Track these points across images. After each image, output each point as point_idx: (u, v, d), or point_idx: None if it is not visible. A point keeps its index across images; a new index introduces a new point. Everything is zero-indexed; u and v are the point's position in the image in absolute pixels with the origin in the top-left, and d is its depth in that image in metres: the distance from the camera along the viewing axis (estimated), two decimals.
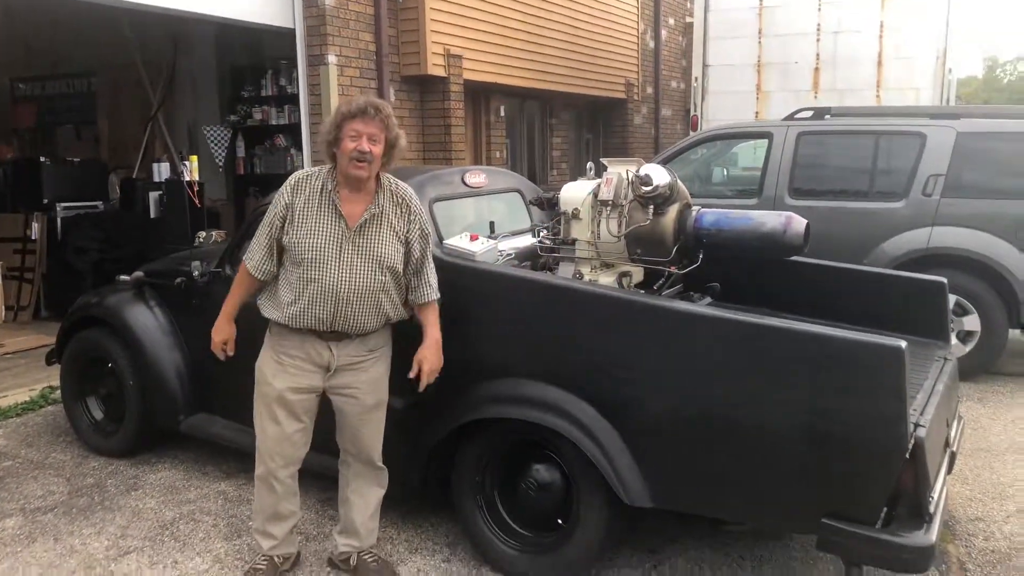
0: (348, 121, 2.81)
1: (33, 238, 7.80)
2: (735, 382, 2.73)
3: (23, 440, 4.68)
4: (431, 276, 3.05)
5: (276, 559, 3.17)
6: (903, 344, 2.45)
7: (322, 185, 2.88)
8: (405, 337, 3.09)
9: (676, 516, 3.16)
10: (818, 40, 9.28)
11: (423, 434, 3.28)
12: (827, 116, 6.43)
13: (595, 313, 3.04)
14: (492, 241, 3.47)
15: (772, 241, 3.26)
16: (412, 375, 2.99)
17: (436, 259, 3.32)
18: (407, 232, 2.95)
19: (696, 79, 9.79)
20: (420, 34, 8.26)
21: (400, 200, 2.96)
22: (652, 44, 14.52)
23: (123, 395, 4.31)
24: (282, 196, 2.92)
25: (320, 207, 2.87)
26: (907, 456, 2.49)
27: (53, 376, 4.97)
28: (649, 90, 14.42)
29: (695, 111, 9.73)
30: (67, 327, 4.60)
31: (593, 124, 13.53)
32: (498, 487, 3.27)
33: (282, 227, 2.90)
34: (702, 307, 3.07)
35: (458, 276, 3.25)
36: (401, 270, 2.95)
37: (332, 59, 7.49)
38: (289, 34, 7.54)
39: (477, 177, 3.99)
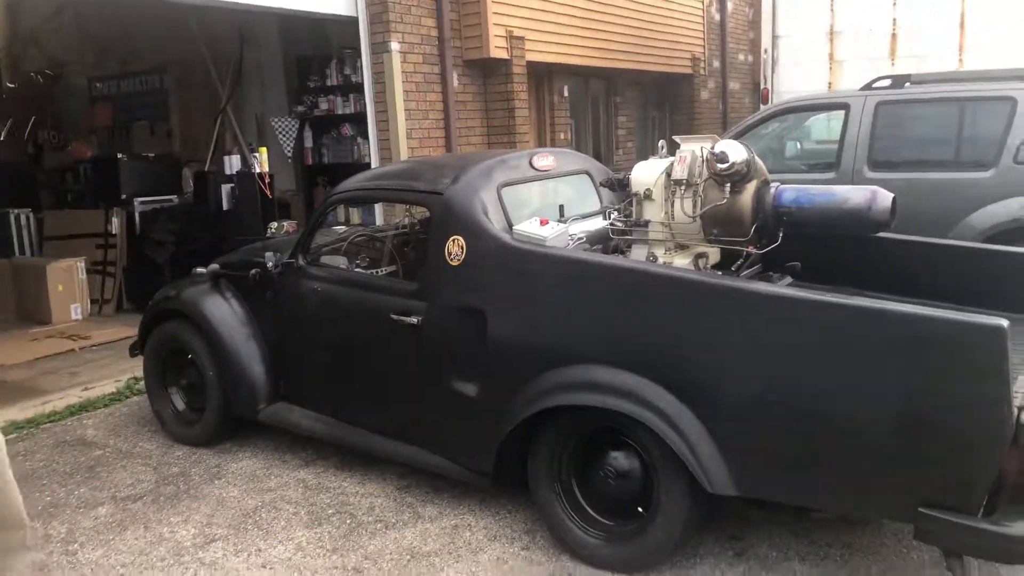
0: None
1: (113, 233, 8.05)
2: (822, 365, 2.62)
3: (111, 430, 4.83)
4: None
5: None
6: (1004, 323, 2.32)
7: None
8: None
9: (759, 502, 3.07)
10: (894, 4, 8.88)
11: (498, 421, 3.25)
12: (907, 84, 6.15)
13: (671, 296, 2.95)
14: (562, 225, 3.42)
15: (857, 217, 3.12)
16: None
17: (506, 245, 3.28)
18: None
19: (765, 51, 9.49)
20: (482, 17, 8.21)
21: None
22: (718, 16, 14.16)
23: (203, 385, 4.40)
24: None
25: None
26: (1010, 441, 2.36)
27: (137, 367, 5.11)
28: (716, 64, 14.08)
29: (765, 84, 9.45)
30: (148, 320, 4.72)
31: (659, 101, 13.29)
32: (576, 474, 3.23)
33: None
34: (784, 288, 2.97)
35: (529, 262, 3.20)
36: None
37: (395, 46, 7.49)
38: (352, 22, 7.57)
39: (545, 160, 3.93)
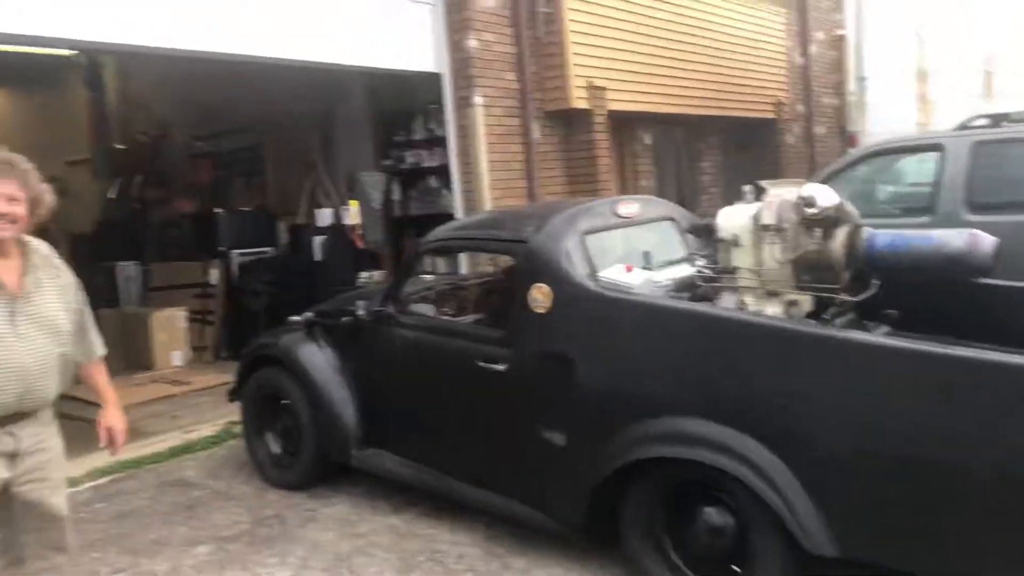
0: None
1: (212, 283, 8.42)
2: (925, 418, 2.54)
3: (210, 472, 5.01)
4: (93, 330, 2.88)
5: None
6: None
7: None
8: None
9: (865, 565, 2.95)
10: (990, 41, 8.65)
11: (587, 472, 3.23)
12: (1004, 123, 5.96)
13: (762, 345, 2.92)
14: (648, 272, 3.42)
15: (956, 262, 3.04)
16: (103, 443, 2.86)
17: (592, 293, 3.30)
18: (63, 287, 2.72)
19: (851, 93, 9.35)
20: (563, 69, 8.34)
21: (45, 257, 2.71)
22: (801, 60, 14.03)
23: (298, 430, 4.53)
24: None
25: None
26: None
27: (234, 412, 5.29)
28: (800, 108, 13.89)
29: (852, 127, 9.28)
30: (245, 366, 4.90)
31: (742, 146, 13.17)
32: (667, 528, 3.17)
33: None
34: (880, 337, 2.89)
35: (615, 310, 3.21)
36: (71, 328, 2.72)
37: (478, 100, 7.68)
38: (436, 78, 7.81)
39: (629, 207, 3.96)
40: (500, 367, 3.56)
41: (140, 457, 5.25)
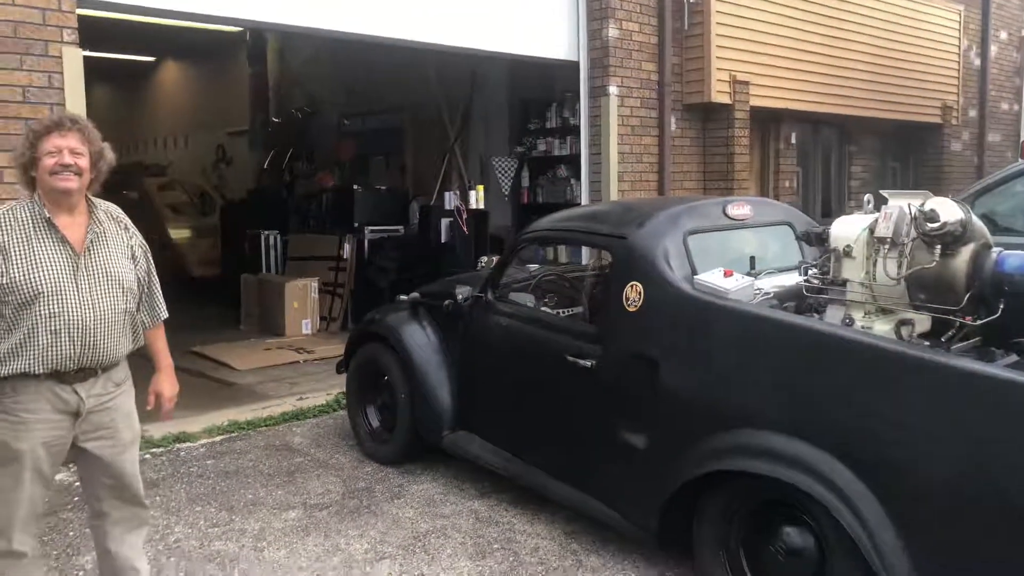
0: (43, 138, 2.54)
1: (344, 257, 8.75)
2: None
3: (314, 440, 5.21)
4: (159, 294, 2.88)
5: None
6: None
7: (31, 215, 2.58)
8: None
9: None
10: None
11: (664, 478, 3.12)
12: None
13: (863, 365, 2.71)
14: (748, 278, 3.24)
15: None
16: (150, 406, 2.85)
17: (685, 295, 3.18)
18: (131, 247, 2.76)
19: None
20: (705, 61, 8.08)
21: (115, 216, 2.76)
22: (978, 61, 12.95)
23: (395, 407, 4.63)
24: None
25: (36, 238, 2.56)
26: None
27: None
28: (972, 113, 12.85)
29: None
30: (353, 340, 5.05)
31: (901, 151, 12.33)
32: (744, 544, 3.02)
33: None
34: (997, 368, 2.61)
35: (706, 314, 3.07)
36: (137, 289, 2.76)
37: (613, 90, 7.56)
38: (574, 67, 7.75)
39: (741, 209, 3.77)
40: (588, 363, 3.49)
41: (255, 419, 5.53)
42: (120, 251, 2.73)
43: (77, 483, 4.10)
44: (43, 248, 2.56)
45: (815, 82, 9.30)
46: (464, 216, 7.46)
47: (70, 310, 2.56)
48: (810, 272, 3.39)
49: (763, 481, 2.86)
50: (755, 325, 3.00)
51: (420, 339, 4.56)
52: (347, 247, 8.75)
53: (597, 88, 7.65)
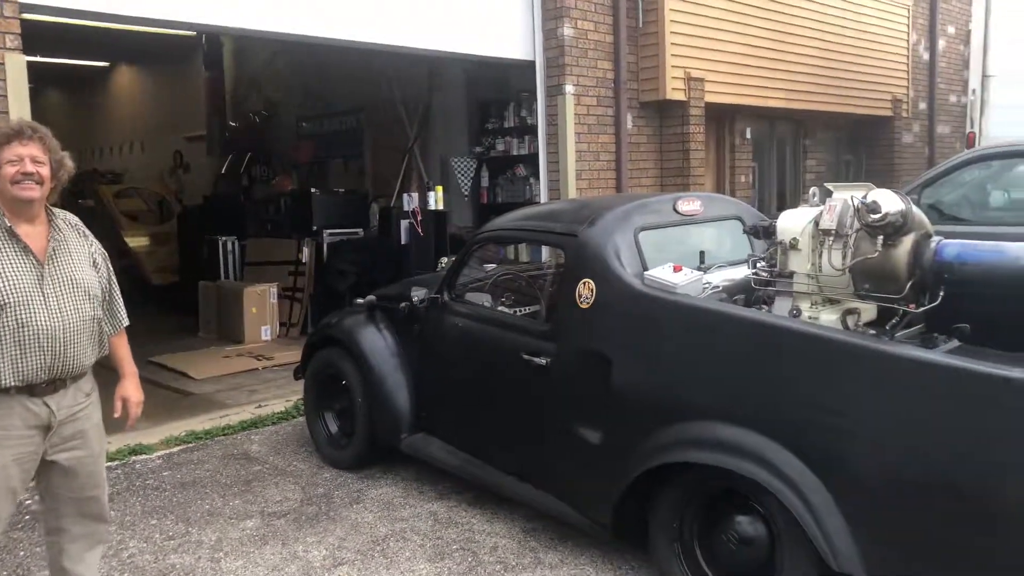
0: (4, 147, 2.53)
1: (303, 261, 8.67)
2: (981, 444, 2.32)
3: (273, 448, 5.15)
4: (119, 301, 2.89)
5: None
6: None
7: None
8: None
9: None
10: None
11: (618, 473, 3.14)
12: None
13: (810, 356, 2.75)
14: (697, 273, 3.28)
15: None
16: (117, 413, 2.86)
17: (635, 291, 3.20)
18: (92, 255, 2.76)
19: (973, 91, 8.73)
20: (659, 59, 8.14)
21: (73, 224, 2.76)
22: (926, 56, 13.21)
23: (353, 411, 4.59)
24: None
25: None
26: None
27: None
28: (922, 106, 13.10)
29: (971, 127, 8.67)
30: (310, 345, 5.01)
31: (853, 145, 12.53)
32: (698, 535, 3.06)
33: None
34: (938, 354, 2.66)
35: (656, 309, 3.09)
36: (102, 296, 2.77)
37: (570, 89, 7.59)
38: (530, 66, 7.76)
39: (691, 204, 3.80)
40: (542, 361, 3.50)
41: (213, 429, 5.45)
42: (82, 259, 2.72)
43: (29, 500, 4.02)
44: (6, 258, 2.54)
45: (768, 78, 9.41)
46: (419, 218, 7.43)
47: (38, 320, 2.54)
48: (758, 265, 3.43)
49: (714, 472, 2.89)
50: (703, 318, 3.03)
51: (377, 343, 4.53)
52: (306, 251, 8.67)
53: (553, 87, 7.68)
